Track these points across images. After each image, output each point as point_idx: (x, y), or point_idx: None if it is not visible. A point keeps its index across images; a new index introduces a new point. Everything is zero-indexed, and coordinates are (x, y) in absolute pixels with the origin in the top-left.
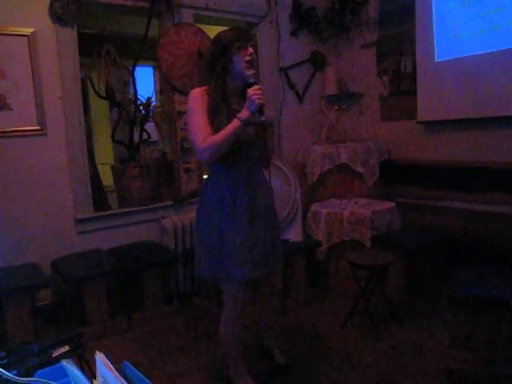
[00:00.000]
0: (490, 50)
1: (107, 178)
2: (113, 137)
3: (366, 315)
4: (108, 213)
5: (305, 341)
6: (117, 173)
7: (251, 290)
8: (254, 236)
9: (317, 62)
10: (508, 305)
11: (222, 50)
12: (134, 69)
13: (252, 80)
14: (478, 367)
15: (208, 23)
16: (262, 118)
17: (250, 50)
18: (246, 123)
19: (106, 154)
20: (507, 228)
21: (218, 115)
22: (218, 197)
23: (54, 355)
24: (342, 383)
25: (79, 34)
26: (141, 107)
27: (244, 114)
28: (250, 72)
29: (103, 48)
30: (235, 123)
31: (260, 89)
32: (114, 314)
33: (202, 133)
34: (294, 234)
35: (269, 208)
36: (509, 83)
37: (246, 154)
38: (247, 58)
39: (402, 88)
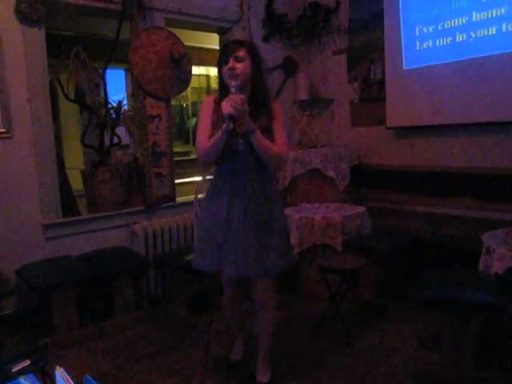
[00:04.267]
0: (454, 60)
1: (77, 183)
2: (82, 141)
3: (337, 319)
4: (77, 218)
5: (276, 345)
6: (86, 177)
7: (238, 287)
8: (220, 236)
9: (289, 67)
10: (472, 306)
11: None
12: (104, 71)
13: (232, 90)
14: (446, 368)
15: (181, 27)
16: (230, 127)
17: (231, 63)
18: (229, 133)
19: (75, 158)
20: (473, 231)
21: (216, 123)
22: (208, 195)
23: (13, 370)
24: None
25: (48, 35)
26: (111, 111)
27: (226, 123)
28: (232, 84)
29: (72, 50)
30: (218, 132)
31: (232, 99)
32: (83, 323)
33: (199, 137)
34: None
35: (255, 217)
36: (472, 92)
37: (230, 162)
38: (227, 72)
39: (371, 94)
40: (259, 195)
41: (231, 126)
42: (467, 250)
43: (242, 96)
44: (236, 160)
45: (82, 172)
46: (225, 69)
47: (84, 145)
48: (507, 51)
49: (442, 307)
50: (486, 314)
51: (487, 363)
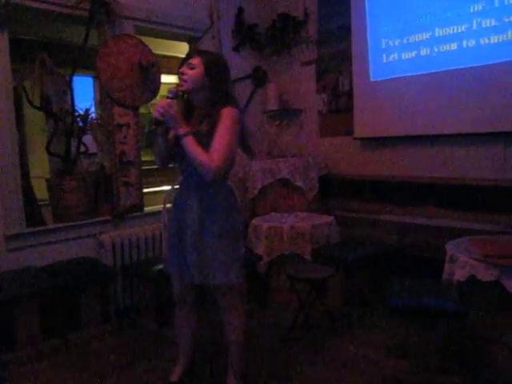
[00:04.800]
0: (418, 73)
1: (42, 192)
2: (48, 149)
3: (305, 328)
4: (42, 228)
5: (247, 356)
6: (52, 186)
7: (190, 297)
8: (175, 242)
9: (258, 77)
10: (437, 313)
11: None
12: (71, 78)
13: (168, 95)
14: (413, 374)
15: (150, 35)
16: (152, 128)
17: (182, 69)
18: (178, 136)
19: (41, 167)
20: (438, 240)
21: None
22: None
23: None
24: None
25: (13, 40)
26: (78, 119)
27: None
28: (172, 89)
29: (38, 56)
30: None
31: (159, 104)
32: (48, 336)
33: None
34: None
35: (203, 225)
36: (436, 104)
37: (185, 169)
38: (179, 76)
39: (339, 105)
40: (207, 204)
41: (156, 128)
42: (432, 258)
43: (169, 100)
44: (184, 165)
45: (48, 181)
46: (178, 71)
47: (49, 153)
48: (467, 66)
49: (407, 315)
50: (450, 321)
51: (452, 368)
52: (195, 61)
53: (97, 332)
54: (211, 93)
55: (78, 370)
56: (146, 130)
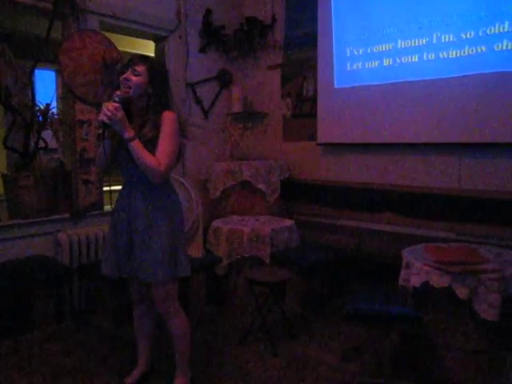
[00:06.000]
0: (381, 83)
1: None
2: (5, 143)
3: (263, 330)
4: None
5: (202, 357)
6: (8, 182)
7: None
8: (113, 241)
9: (224, 79)
10: (391, 319)
11: None
12: (32, 71)
13: (115, 99)
14: (367, 378)
15: (114, 31)
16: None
17: (127, 74)
18: (98, 138)
19: None
20: (396, 245)
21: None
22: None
23: None
24: None
25: None
26: (38, 113)
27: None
28: (116, 93)
29: None
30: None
31: (106, 106)
32: None
33: None
34: (195, 250)
35: (136, 226)
36: (397, 113)
37: (124, 171)
38: (122, 81)
39: (303, 110)
40: (141, 205)
41: (100, 131)
42: (389, 264)
43: (116, 104)
44: (128, 169)
45: (3, 176)
46: (121, 77)
47: (6, 147)
48: (427, 78)
49: (363, 320)
50: (404, 327)
51: (405, 373)
52: (140, 68)
53: (50, 333)
54: (152, 99)
55: (29, 372)
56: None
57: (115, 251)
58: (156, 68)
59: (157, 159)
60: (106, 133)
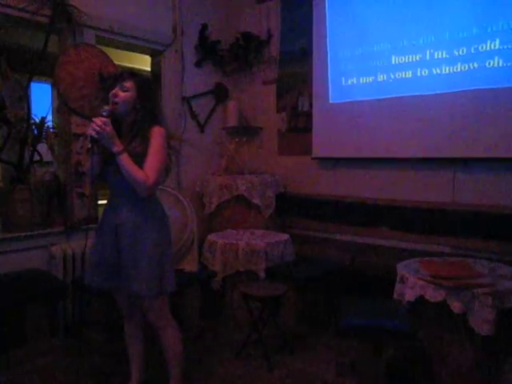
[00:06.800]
0: (375, 98)
1: None
2: None
3: (259, 346)
4: None
5: (196, 371)
6: (2, 195)
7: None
8: (99, 252)
9: (219, 94)
10: (386, 333)
11: None
12: (28, 84)
13: (103, 114)
14: None
15: (110, 46)
16: (88, 147)
17: (115, 90)
18: (87, 152)
19: None
20: (391, 260)
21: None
22: None
23: None
24: None
25: None
26: (33, 127)
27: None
28: (104, 107)
29: None
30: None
31: (95, 121)
32: None
33: None
34: (189, 264)
35: (123, 240)
36: (392, 128)
37: (111, 184)
38: (111, 96)
39: (298, 125)
40: (128, 217)
41: (90, 146)
42: (384, 278)
43: (104, 119)
44: (115, 181)
45: None
46: (111, 93)
47: (1, 160)
48: (421, 94)
49: (357, 335)
50: (398, 341)
51: None
52: (128, 84)
53: (42, 347)
54: (140, 114)
55: None
56: None
57: (101, 262)
58: (144, 84)
59: (145, 173)
60: (95, 147)
